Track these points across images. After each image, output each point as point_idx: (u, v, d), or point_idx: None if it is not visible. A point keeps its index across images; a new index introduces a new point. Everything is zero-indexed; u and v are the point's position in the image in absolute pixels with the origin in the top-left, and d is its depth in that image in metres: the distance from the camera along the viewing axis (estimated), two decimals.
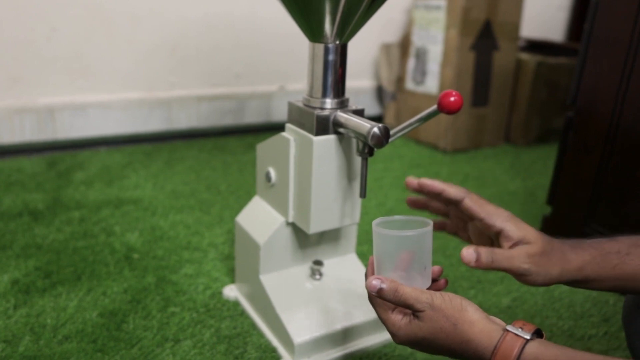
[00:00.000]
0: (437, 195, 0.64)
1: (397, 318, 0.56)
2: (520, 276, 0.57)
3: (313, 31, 0.71)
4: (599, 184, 1.07)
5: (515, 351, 0.48)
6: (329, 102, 0.74)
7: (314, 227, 0.77)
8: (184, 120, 1.80)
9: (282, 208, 0.82)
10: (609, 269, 0.56)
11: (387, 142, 0.67)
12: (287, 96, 1.90)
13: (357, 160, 0.77)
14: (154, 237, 1.14)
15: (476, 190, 1.51)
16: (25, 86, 1.58)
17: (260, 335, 0.86)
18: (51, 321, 0.86)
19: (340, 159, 0.76)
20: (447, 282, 0.63)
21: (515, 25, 1.87)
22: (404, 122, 0.69)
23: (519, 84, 1.95)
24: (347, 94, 0.76)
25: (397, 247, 0.57)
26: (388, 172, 1.61)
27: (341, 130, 0.73)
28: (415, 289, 0.54)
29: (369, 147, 0.71)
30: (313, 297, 0.84)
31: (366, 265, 0.90)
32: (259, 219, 0.86)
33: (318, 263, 0.86)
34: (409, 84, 1.95)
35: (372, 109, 2.12)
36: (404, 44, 1.98)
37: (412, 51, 1.92)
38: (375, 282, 0.55)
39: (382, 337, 0.85)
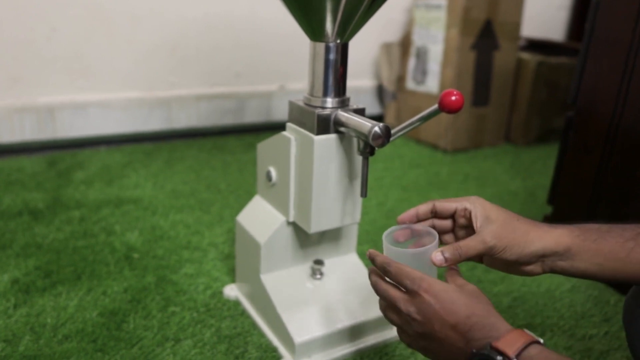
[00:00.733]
0: (416, 220, 0.66)
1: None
2: (493, 257, 0.59)
3: (314, 30, 0.71)
4: (599, 184, 1.07)
5: (523, 341, 0.49)
6: (330, 101, 0.74)
7: (314, 226, 0.77)
8: (184, 120, 1.80)
9: (282, 207, 0.82)
10: (589, 242, 0.57)
11: (388, 141, 0.67)
12: (287, 96, 1.90)
13: (358, 160, 0.77)
14: (154, 236, 1.14)
15: (476, 190, 1.52)
16: (25, 86, 1.58)
17: (261, 334, 0.86)
18: (51, 321, 0.86)
19: (341, 158, 0.76)
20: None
21: (516, 25, 1.87)
22: (405, 122, 0.69)
23: (519, 84, 1.95)
24: (348, 94, 0.76)
25: (410, 263, 0.59)
26: (388, 172, 1.61)
27: (342, 129, 0.73)
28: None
29: (370, 147, 0.71)
30: (314, 297, 0.84)
31: (367, 265, 0.90)
32: (260, 218, 0.86)
33: (319, 262, 0.86)
34: (410, 84, 1.95)
35: (372, 108, 2.12)
36: (405, 43, 1.98)
37: (413, 51, 1.92)
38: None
39: (383, 336, 0.85)
